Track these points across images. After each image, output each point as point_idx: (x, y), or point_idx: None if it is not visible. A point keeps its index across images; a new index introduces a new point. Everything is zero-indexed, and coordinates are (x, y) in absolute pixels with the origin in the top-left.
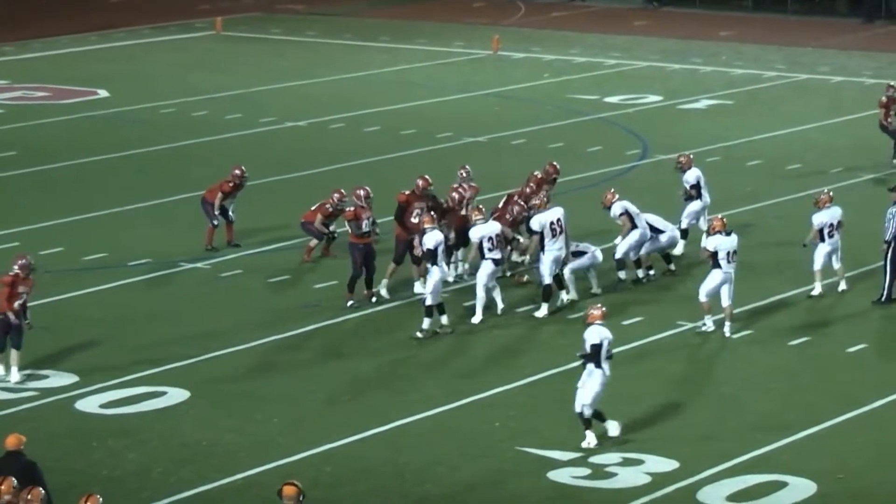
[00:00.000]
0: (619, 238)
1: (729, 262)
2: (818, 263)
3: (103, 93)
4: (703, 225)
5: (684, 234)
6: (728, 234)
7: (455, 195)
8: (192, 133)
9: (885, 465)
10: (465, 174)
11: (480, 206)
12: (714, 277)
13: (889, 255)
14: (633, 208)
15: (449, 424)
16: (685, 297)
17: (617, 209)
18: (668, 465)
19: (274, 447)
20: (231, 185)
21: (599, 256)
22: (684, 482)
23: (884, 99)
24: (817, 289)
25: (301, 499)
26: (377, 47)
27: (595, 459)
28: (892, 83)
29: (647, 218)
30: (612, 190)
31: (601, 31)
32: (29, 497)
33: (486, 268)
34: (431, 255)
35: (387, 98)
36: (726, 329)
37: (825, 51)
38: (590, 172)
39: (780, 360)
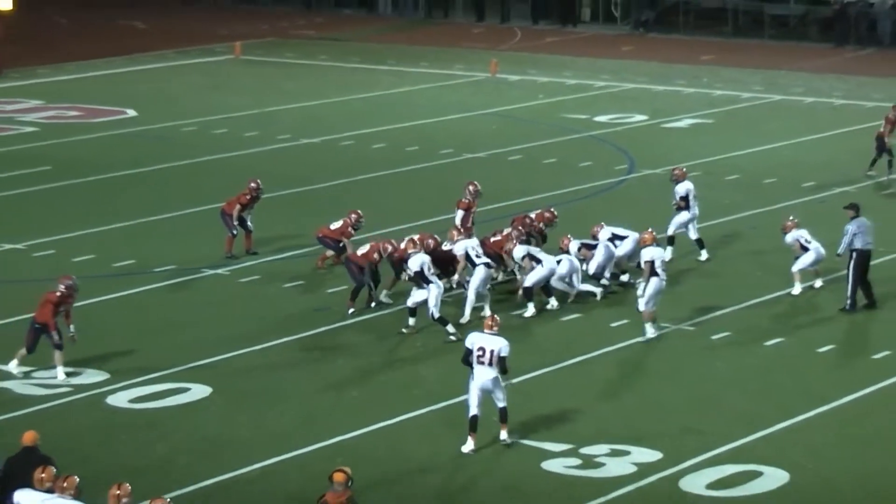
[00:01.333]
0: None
1: (663, 269)
2: (799, 266)
3: (131, 112)
4: (692, 234)
5: (671, 241)
6: (658, 244)
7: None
8: (213, 149)
9: (851, 456)
10: (473, 189)
11: (459, 227)
12: (652, 286)
13: (851, 266)
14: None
15: (449, 418)
16: (669, 301)
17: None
18: (652, 455)
19: (288, 440)
20: (248, 197)
21: (557, 268)
22: (668, 472)
23: (891, 115)
24: (797, 289)
25: (349, 484)
26: (383, 70)
27: (585, 451)
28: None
29: (611, 230)
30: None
31: (591, 55)
32: (65, 484)
33: (480, 272)
34: (420, 276)
35: (392, 117)
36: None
37: (798, 73)
38: (581, 186)
39: (756, 359)
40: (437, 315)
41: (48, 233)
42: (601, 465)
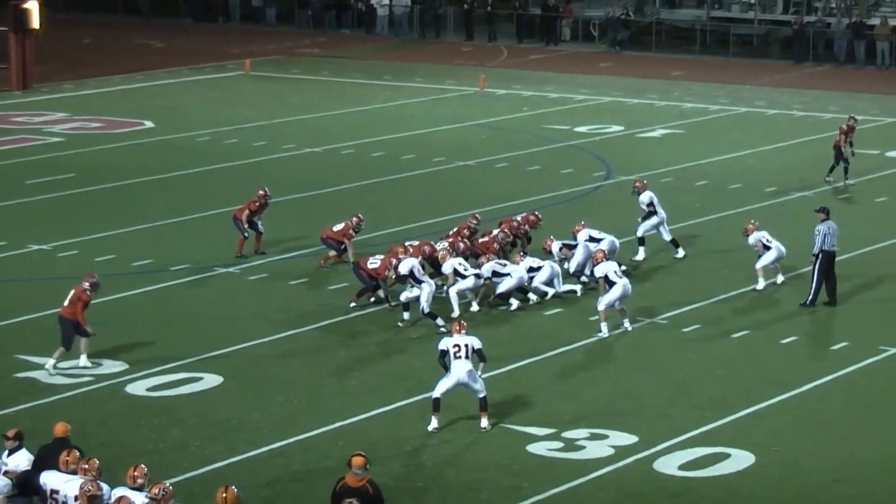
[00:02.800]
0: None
1: (619, 276)
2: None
3: (149, 124)
4: (665, 237)
5: (641, 241)
6: (607, 259)
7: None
8: (224, 158)
9: (812, 439)
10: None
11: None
12: (615, 292)
13: (816, 265)
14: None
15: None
16: (643, 297)
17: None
18: (628, 439)
19: (294, 424)
20: (257, 204)
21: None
22: (643, 454)
23: (844, 126)
24: (761, 284)
25: (367, 467)
26: (381, 85)
27: (566, 434)
28: (854, 115)
29: (589, 232)
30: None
31: (572, 71)
32: (86, 466)
33: (469, 281)
34: (412, 278)
35: (389, 128)
36: (626, 324)
37: (761, 88)
38: (562, 191)
39: (724, 350)
40: (427, 310)
41: (73, 234)
42: (581, 447)
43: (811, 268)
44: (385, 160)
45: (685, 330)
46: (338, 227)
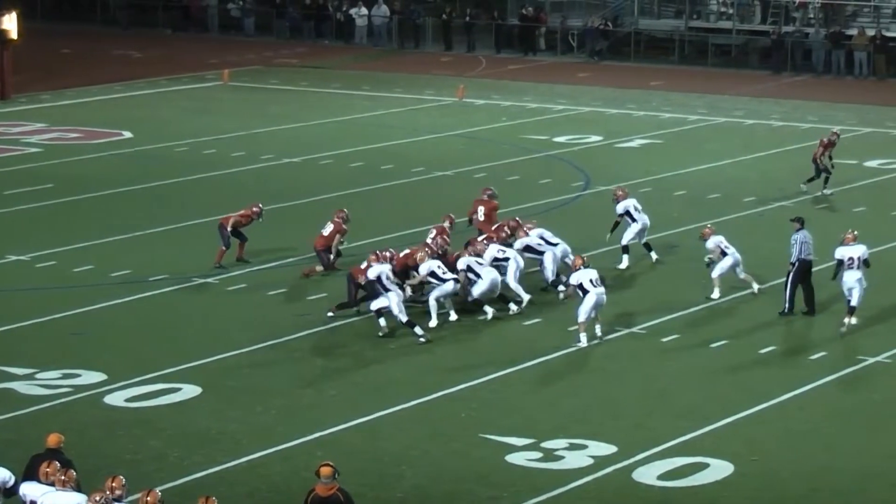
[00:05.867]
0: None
1: (595, 286)
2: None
3: (127, 134)
4: (641, 240)
5: (625, 249)
6: (587, 266)
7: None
8: (202, 168)
9: (791, 448)
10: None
11: (426, 249)
12: (588, 301)
13: (791, 275)
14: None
15: (420, 415)
16: (621, 307)
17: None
18: (607, 449)
19: (273, 434)
20: (248, 218)
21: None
22: (622, 464)
23: (825, 140)
24: (716, 293)
25: (336, 476)
26: (360, 95)
27: (546, 444)
28: (836, 129)
29: (541, 231)
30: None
31: (550, 81)
32: (64, 478)
33: (448, 286)
34: (375, 284)
35: (368, 138)
36: (598, 331)
37: (740, 98)
38: (541, 201)
39: (703, 360)
40: (405, 319)
41: (51, 245)
42: (560, 457)
43: (790, 274)
44: (364, 170)
45: (664, 339)
46: (327, 231)
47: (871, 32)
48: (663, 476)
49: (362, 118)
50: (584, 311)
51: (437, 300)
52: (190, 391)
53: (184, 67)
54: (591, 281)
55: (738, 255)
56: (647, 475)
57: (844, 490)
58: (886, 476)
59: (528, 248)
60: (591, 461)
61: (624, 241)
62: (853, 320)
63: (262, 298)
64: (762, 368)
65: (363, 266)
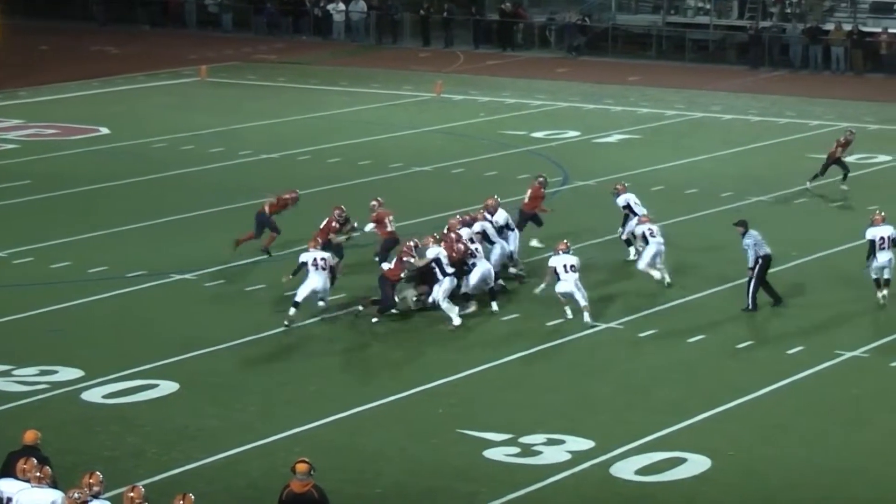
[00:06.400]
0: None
1: (567, 272)
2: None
3: (105, 130)
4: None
5: (628, 242)
6: (567, 252)
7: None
8: (180, 164)
9: (768, 443)
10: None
11: (435, 234)
12: (559, 286)
13: (756, 274)
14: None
15: (399, 411)
16: (599, 303)
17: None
18: (585, 444)
19: (251, 431)
20: (284, 205)
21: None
22: (599, 459)
23: (841, 139)
24: (666, 278)
25: (312, 472)
26: (338, 91)
27: (524, 440)
28: (852, 129)
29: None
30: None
31: (528, 76)
32: (40, 475)
33: (447, 282)
34: (439, 267)
35: (346, 134)
36: (586, 317)
37: (717, 93)
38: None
39: (680, 354)
40: (444, 305)
41: (28, 241)
42: (538, 453)
43: (750, 277)
44: (342, 166)
45: (641, 335)
46: (323, 225)
47: (848, 27)
48: (641, 471)
49: (340, 114)
50: (558, 293)
51: (448, 300)
52: (167, 387)
53: (161, 63)
54: (565, 267)
55: (661, 246)
56: (625, 470)
57: (823, 485)
58: (865, 471)
59: (484, 234)
60: (568, 456)
61: (623, 236)
62: (885, 292)
63: (240, 294)
64: (740, 363)
65: (395, 265)
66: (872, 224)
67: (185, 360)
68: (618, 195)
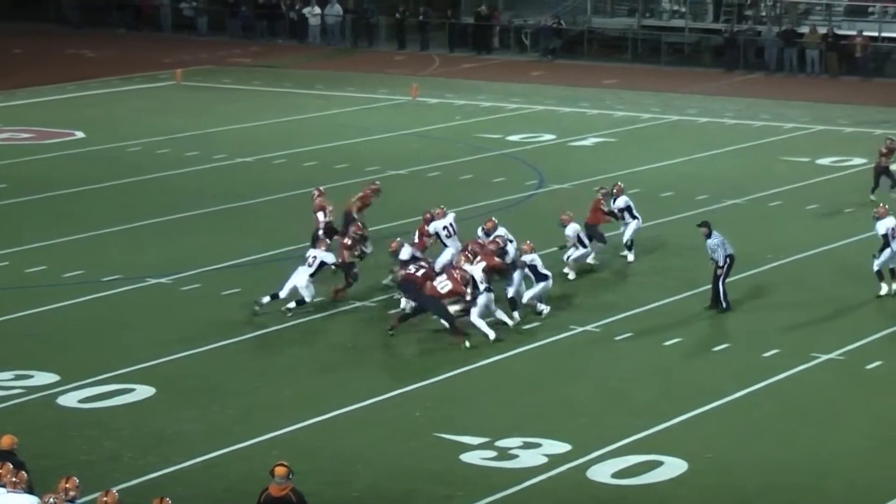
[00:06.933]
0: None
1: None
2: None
3: (80, 134)
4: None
5: (628, 245)
6: (532, 252)
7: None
8: (156, 168)
9: (745, 445)
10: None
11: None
12: (538, 287)
13: (724, 273)
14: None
15: (377, 414)
16: (575, 306)
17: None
18: (562, 447)
19: (228, 434)
20: (369, 198)
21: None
22: (576, 462)
23: (884, 149)
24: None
25: (290, 476)
26: (313, 94)
27: (500, 443)
28: (891, 136)
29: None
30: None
31: (504, 80)
32: (15, 480)
33: (482, 299)
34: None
35: (322, 137)
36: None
37: (693, 96)
38: (495, 200)
39: (657, 357)
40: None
41: (3, 246)
42: (515, 456)
43: (720, 277)
44: (317, 170)
45: (618, 338)
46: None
47: (823, 30)
48: (617, 474)
49: (316, 117)
50: (533, 296)
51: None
52: (144, 392)
53: (137, 67)
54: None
55: (589, 250)
56: (602, 473)
57: (800, 486)
58: (842, 472)
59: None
60: (545, 459)
61: (626, 238)
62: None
63: (215, 298)
64: (716, 366)
65: (437, 282)
66: (879, 217)
67: (161, 363)
68: (616, 197)
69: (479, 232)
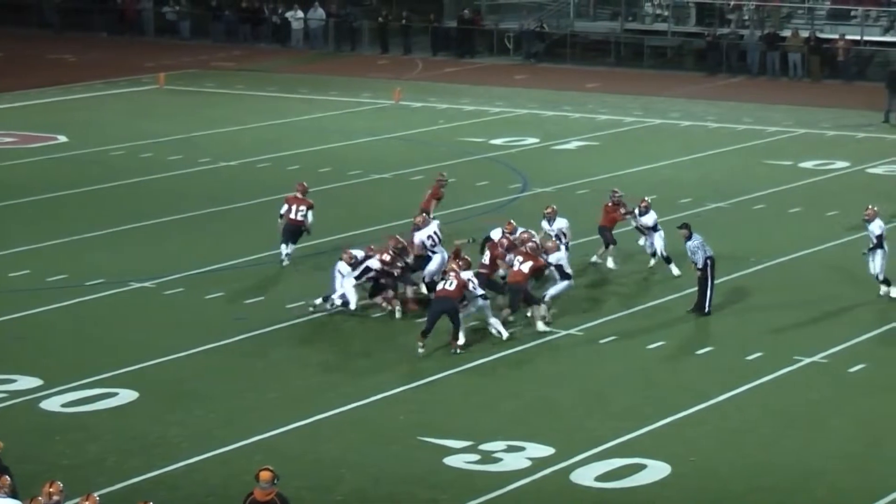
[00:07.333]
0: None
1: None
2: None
3: (63, 138)
4: (648, 250)
5: (668, 260)
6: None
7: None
8: (139, 172)
9: (728, 448)
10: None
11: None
12: (562, 286)
13: (709, 274)
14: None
15: (360, 418)
16: (559, 309)
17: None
18: (545, 451)
19: (211, 439)
20: (441, 189)
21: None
22: (559, 465)
23: None
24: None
25: (275, 481)
26: (297, 98)
27: (484, 447)
28: None
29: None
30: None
31: (487, 83)
32: None
33: (479, 301)
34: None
35: (305, 141)
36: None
37: (675, 99)
38: (479, 203)
39: (640, 361)
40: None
41: None
42: (498, 459)
43: (704, 276)
44: (301, 174)
45: (602, 341)
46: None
47: (805, 34)
48: (601, 477)
49: (299, 121)
50: (555, 295)
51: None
52: (127, 396)
53: (119, 71)
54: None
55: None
56: (585, 476)
57: (784, 489)
58: (825, 475)
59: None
60: (528, 463)
61: (663, 254)
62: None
63: (199, 302)
64: (699, 369)
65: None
66: (870, 219)
67: (144, 368)
68: (645, 213)
69: (496, 234)
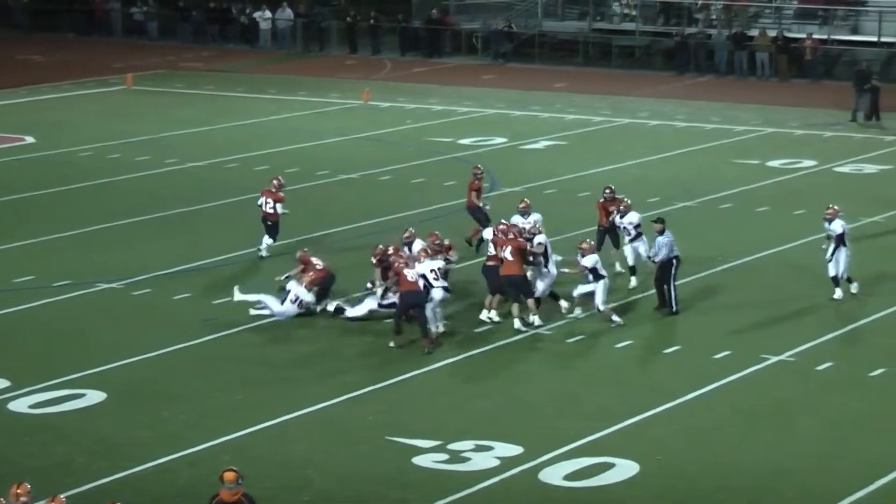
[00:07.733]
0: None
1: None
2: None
3: (30, 139)
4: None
5: (633, 270)
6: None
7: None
8: (107, 173)
9: (696, 447)
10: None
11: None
12: (601, 286)
13: (673, 273)
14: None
15: (328, 418)
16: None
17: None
18: (514, 450)
19: (180, 439)
20: (478, 183)
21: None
22: (528, 465)
23: None
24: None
25: (240, 481)
26: (265, 98)
27: (452, 446)
28: None
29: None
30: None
31: (455, 83)
32: None
33: (437, 294)
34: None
35: (274, 142)
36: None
37: (644, 99)
38: (447, 203)
39: (609, 360)
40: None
41: None
42: (467, 459)
43: (661, 275)
44: (270, 173)
45: (569, 341)
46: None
47: (772, 33)
48: (569, 476)
49: (267, 121)
50: (602, 299)
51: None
52: (95, 397)
53: (87, 72)
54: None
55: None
56: (554, 475)
57: (751, 488)
58: (793, 474)
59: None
60: (497, 462)
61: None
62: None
63: (167, 302)
64: (667, 368)
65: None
66: (832, 218)
67: (112, 369)
68: (625, 213)
69: (487, 233)
